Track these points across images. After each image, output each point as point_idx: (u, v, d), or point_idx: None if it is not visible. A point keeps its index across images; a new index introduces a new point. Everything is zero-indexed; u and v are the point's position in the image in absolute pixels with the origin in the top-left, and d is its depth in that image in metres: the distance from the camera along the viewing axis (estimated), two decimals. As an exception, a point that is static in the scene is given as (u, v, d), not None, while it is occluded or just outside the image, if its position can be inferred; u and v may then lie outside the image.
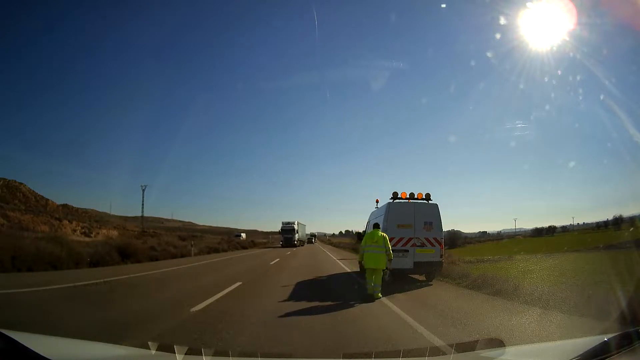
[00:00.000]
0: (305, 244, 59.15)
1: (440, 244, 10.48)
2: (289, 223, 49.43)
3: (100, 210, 67.47)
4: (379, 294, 7.86)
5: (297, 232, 48.89)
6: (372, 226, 9.11)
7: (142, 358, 2.16)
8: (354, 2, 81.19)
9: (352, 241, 40.80)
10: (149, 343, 2.21)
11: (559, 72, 23.09)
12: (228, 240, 43.29)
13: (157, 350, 2.14)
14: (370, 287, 8.00)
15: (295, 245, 45.58)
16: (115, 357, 2.07)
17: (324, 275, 12.90)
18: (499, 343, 2.81)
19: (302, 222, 55.57)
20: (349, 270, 14.62)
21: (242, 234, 76.11)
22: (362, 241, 8.45)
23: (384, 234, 8.41)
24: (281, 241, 48.58)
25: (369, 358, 3.72)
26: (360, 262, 9.62)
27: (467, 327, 5.30)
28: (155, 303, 7.31)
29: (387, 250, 8.16)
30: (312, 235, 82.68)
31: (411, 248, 10.23)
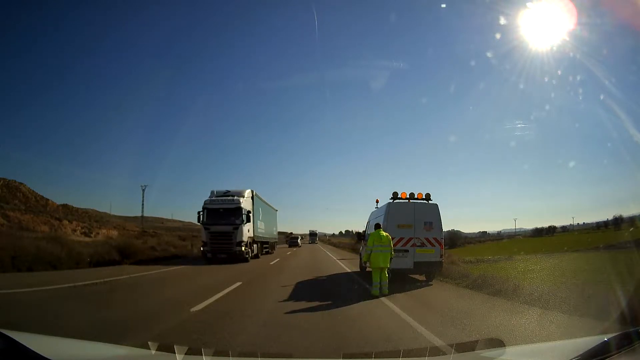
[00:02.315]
0: (275, 250, 28.83)
1: (440, 244, 10.49)
2: (227, 194, 19.35)
3: (100, 210, 67.20)
4: (387, 290, 8.17)
5: (250, 221, 18.90)
6: (373, 226, 9.14)
7: (142, 358, 2.16)
8: (354, 2, 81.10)
9: (352, 241, 40.77)
10: (149, 343, 2.21)
11: (559, 72, 23.03)
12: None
13: (157, 350, 2.14)
14: (377, 286, 8.17)
15: (241, 255, 17.76)
16: (115, 357, 2.07)
17: (323, 275, 12.90)
18: (499, 343, 2.81)
19: (264, 199, 24.54)
20: (348, 270, 14.62)
21: (242, 234, 75.77)
22: (369, 241, 8.53)
23: (388, 234, 8.60)
24: (203, 241, 18.27)
25: (369, 358, 3.72)
26: (363, 262, 9.57)
27: (467, 327, 5.30)
28: (155, 303, 7.32)
29: (392, 249, 8.49)
30: (313, 234, 78.78)
31: (411, 248, 10.24)
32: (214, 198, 18.90)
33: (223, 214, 17.90)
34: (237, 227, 17.58)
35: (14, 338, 1.44)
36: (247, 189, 20.03)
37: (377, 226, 8.87)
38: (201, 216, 18.20)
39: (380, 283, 8.18)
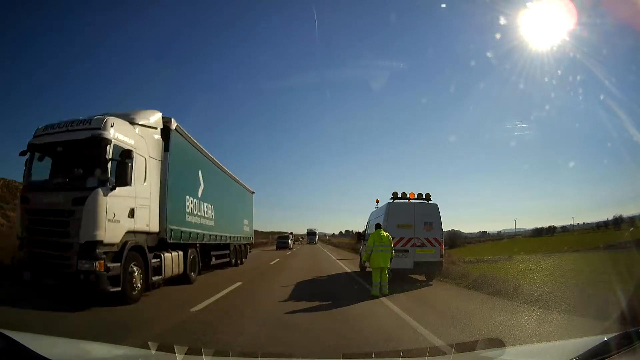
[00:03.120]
0: (248, 257, 17.83)
1: (440, 244, 10.49)
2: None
3: (100, 210, 67.12)
4: (387, 290, 8.14)
5: (129, 183, 6.61)
6: (373, 226, 9.14)
7: (142, 358, 2.16)
8: (354, 2, 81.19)
9: (352, 241, 40.70)
10: (149, 343, 2.21)
11: (559, 72, 23.01)
12: (228, 240, 42.93)
13: (157, 350, 2.14)
14: (377, 287, 8.16)
15: (95, 284, 6.04)
16: (115, 357, 2.07)
17: (324, 275, 12.90)
18: (499, 343, 2.81)
19: (217, 160, 12.57)
20: (348, 270, 14.61)
21: (242, 234, 75.46)
22: (369, 241, 8.53)
23: (388, 234, 8.61)
24: (19, 238, 6.85)
25: (369, 358, 3.72)
26: (362, 262, 9.54)
27: (467, 327, 5.30)
28: (155, 303, 7.30)
29: (392, 249, 8.49)
30: (312, 233, 67.97)
31: (411, 248, 10.25)
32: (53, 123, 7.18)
33: (63, 160, 7.18)
34: (85, 199, 6.28)
35: (14, 338, 1.44)
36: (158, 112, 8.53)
37: (378, 226, 8.87)
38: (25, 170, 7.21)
39: (380, 283, 8.17)
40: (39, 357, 1.42)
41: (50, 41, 75.51)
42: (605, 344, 1.69)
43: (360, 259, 13.32)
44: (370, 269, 8.54)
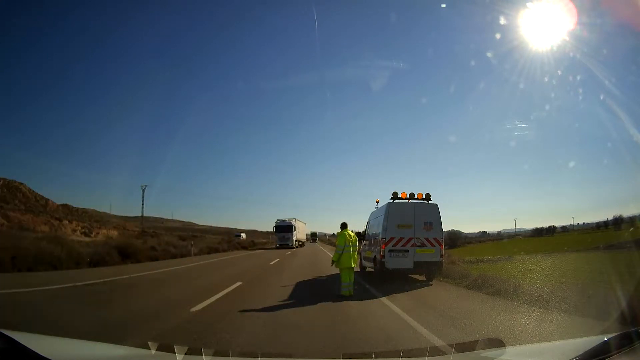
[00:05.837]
0: None
1: (440, 244, 10.48)
2: None
3: (100, 210, 67.31)
4: (352, 291, 8.24)
5: None
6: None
7: (142, 358, 2.16)
8: (354, 2, 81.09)
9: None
10: (149, 343, 2.21)
11: (559, 72, 22.97)
12: (228, 240, 42.96)
13: (157, 350, 2.14)
14: (349, 286, 8.19)
15: None
16: (115, 357, 2.07)
17: (324, 275, 12.88)
18: (499, 343, 2.81)
19: None
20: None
21: (242, 234, 75.90)
22: (340, 241, 8.54)
23: (352, 233, 8.82)
24: None
25: (369, 358, 3.72)
26: (331, 264, 9.05)
27: (467, 327, 5.29)
28: (155, 303, 7.32)
29: (356, 249, 8.71)
30: (285, 225, 52.08)
31: (411, 248, 10.24)
32: None
33: None
34: None
35: (14, 338, 1.44)
36: None
37: (344, 226, 8.85)
38: None
39: (348, 282, 8.24)
40: (39, 357, 1.42)
41: (50, 41, 75.43)
42: (605, 344, 1.69)
43: (361, 259, 13.29)
44: (352, 268, 8.57)
